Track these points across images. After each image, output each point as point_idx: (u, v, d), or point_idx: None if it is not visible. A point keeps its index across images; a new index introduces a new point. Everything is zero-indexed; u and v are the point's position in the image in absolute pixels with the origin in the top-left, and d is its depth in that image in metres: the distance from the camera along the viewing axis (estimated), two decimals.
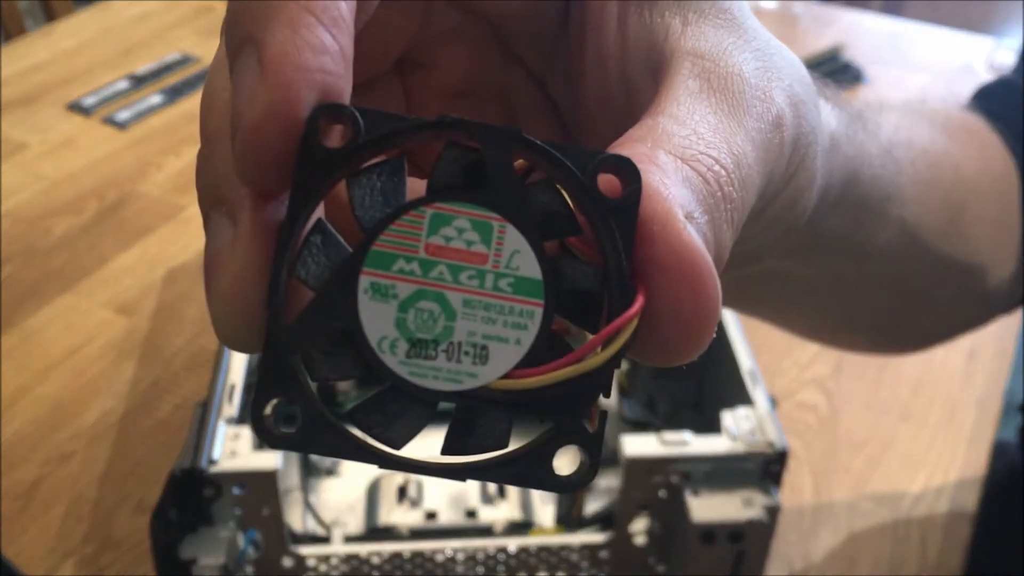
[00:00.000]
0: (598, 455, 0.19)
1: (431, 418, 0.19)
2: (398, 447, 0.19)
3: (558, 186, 0.19)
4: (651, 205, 0.19)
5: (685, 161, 0.20)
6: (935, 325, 0.54)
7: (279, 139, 0.18)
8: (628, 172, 0.18)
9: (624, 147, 0.20)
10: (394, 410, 0.19)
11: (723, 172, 0.21)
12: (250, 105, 0.18)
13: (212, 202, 0.20)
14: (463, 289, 0.18)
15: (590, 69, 0.26)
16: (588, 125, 0.27)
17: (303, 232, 0.19)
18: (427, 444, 0.20)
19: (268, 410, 0.18)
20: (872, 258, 0.44)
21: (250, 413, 0.19)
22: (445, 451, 0.19)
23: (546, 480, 0.19)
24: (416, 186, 0.19)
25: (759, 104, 0.23)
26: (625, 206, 0.18)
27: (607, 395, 0.19)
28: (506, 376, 0.18)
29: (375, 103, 0.27)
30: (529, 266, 0.18)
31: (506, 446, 0.19)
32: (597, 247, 0.19)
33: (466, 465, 0.19)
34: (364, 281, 0.18)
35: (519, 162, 0.19)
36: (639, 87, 0.24)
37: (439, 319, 0.18)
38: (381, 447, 0.19)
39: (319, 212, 0.19)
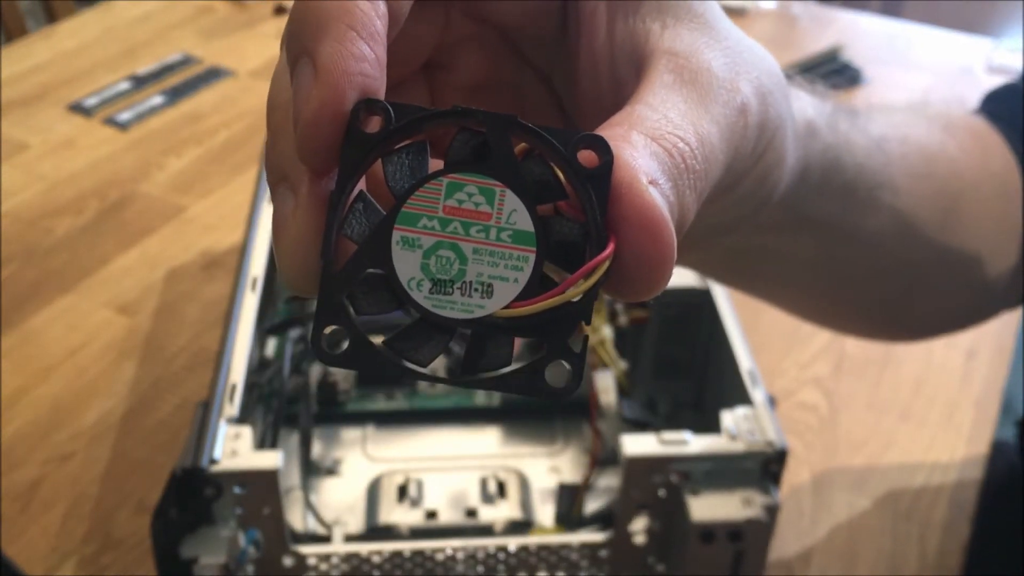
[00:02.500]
0: (581, 369, 0.23)
1: (449, 342, 0.24)
2: (424, 366, 0.24)
3: (549, 160, 0.24)
4: (620, 173, 0.23)
5: (654, 139, 0.25)
6: (935, 314, 0.55)
7: (329, 127, 0.23)
8: (601, 147, 0.23)
9: (605, 129, 0.25)
10: (421, 337, 0.24)
11: (687, 148, 0.25)
12: (307, 102, 0.23)
13: (277, 179, 0.25)
14: (473, 240, 0.23)
15: (585, 67, 0.30)
16: (585, 114, 0.31)
17: (348, 200, 0.24)
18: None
19: (327, 331, 0.23)
20: (865, 243, 0.46)
21: (310, 339, 0.23)
22: (464, 371, 0.24)
23: (540, 389, 0.23)
24: (436, 164, 0.24)
25: (725, 93, 0.27)
26: (600, 174, 0.23)
27: (588, 322, 0.23)
28: (507, 307, 0.23)
29: (405, 99, 0.31)
30: (524, 222, 0.23)
31: (509, 364, 0.24)
32: (579, 207, 0.23)
33: (478, 379, 0.24)
34: (396, 235, 0.23)
35: (521, 145, 0.24)
36: (625, 82, 0.29)
37: (454, 263, 0.23)
38: (411, 366, 0.24)
39: (361, 185, 0.24)
